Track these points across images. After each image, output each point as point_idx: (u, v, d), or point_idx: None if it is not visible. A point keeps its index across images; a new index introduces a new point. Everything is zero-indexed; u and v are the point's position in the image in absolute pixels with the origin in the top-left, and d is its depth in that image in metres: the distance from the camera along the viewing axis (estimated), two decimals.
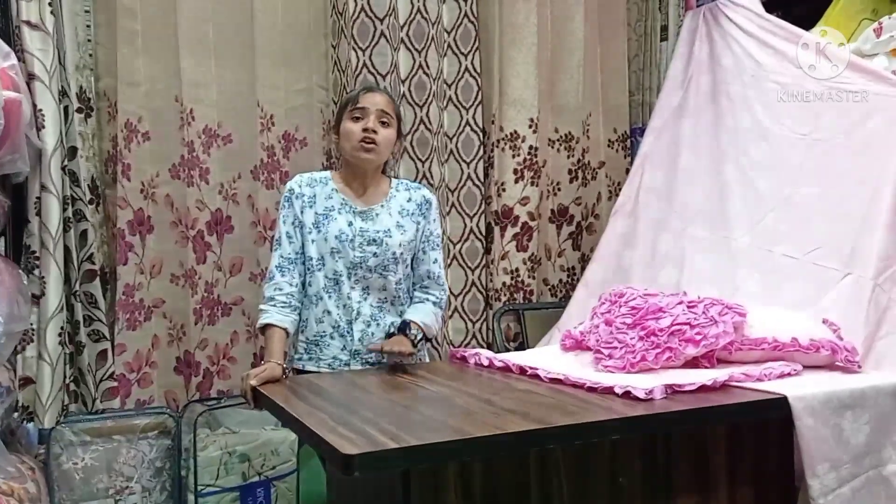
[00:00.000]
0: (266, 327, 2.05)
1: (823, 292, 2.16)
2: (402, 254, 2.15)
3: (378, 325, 2.14)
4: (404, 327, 2.07)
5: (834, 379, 1.79)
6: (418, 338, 2.07)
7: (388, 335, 2.09)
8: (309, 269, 2.13)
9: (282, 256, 2.11)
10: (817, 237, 2.26)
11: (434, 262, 2.22)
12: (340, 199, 2.15)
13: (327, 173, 2.22)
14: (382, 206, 2.17)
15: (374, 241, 2.11)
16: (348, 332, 2.11)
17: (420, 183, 2.94)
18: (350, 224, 2.12)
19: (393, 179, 2.24)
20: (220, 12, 2.76)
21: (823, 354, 1.88)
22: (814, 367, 1.89)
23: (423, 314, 2.15)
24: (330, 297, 2.12)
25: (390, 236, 2.13)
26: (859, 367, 1.89)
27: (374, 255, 2.10)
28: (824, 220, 2.27)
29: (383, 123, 2.11)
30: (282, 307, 2.07)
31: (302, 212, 2.13)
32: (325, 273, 2.12)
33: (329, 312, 2.11)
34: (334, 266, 2.11)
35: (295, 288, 2.10)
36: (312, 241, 2.12)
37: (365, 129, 2.08)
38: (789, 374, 1.81)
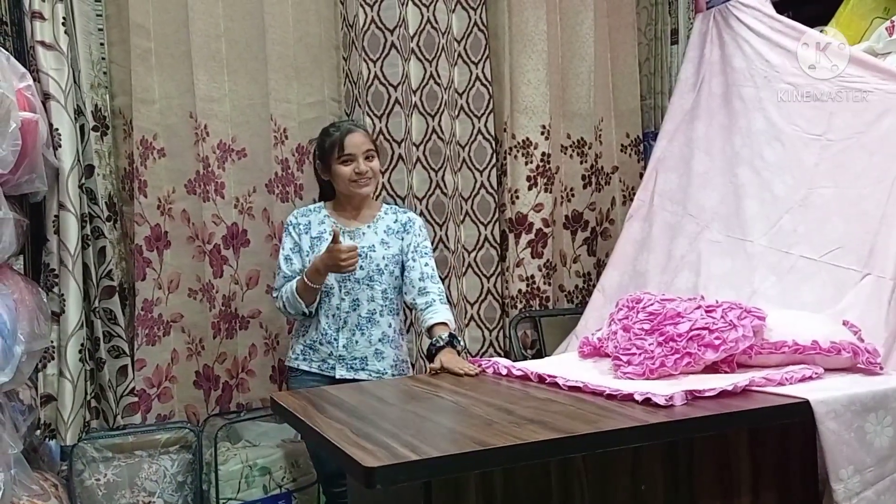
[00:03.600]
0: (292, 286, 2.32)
1: (842, 293, 2.14)
2: (386, 265, 2.39)
3: (363, 334, 2.36)
4: (451, 340, 2.20)
5: (856, 381, 1.77)
6: (462, 343, 2.26)
7: (435, 349, 2.19)
8: None
9: (284, 275, 2.39)
10: (835, 238, 2.24)
11: (426, 266, 2.40)
12: (332, 222, 2.41)
13: (320, 203, 2.50)
14: (369, 226, 2.42)
15: (360, 255, 2.30)
16: (335, 340, 2.35)
17: (433, 192, 2.98)
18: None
19: (384, 205, 2.50)
20: (232, 28, 2.78)
21: (844, 357, 1.86)
22: (835, 369, 1.87)
23: (442, 314, 2.29)
24: (321, 308, 2.36)
25: (374, 251, 2.38)
26: (881, 368, 1.87)
27: (361, 267, 2.32)
28: (841, 220, 2.25)
29: (369, 158, 2.37)
30: None
31: (300, 238, 2.41)
32: None
33: (319, 322, 2.37)
34: (326, 280, 2.31)
35: None
36: (310, 261, 2.34)
37: (357, 172, 2.34)
38: (811, 378, 1.79)
